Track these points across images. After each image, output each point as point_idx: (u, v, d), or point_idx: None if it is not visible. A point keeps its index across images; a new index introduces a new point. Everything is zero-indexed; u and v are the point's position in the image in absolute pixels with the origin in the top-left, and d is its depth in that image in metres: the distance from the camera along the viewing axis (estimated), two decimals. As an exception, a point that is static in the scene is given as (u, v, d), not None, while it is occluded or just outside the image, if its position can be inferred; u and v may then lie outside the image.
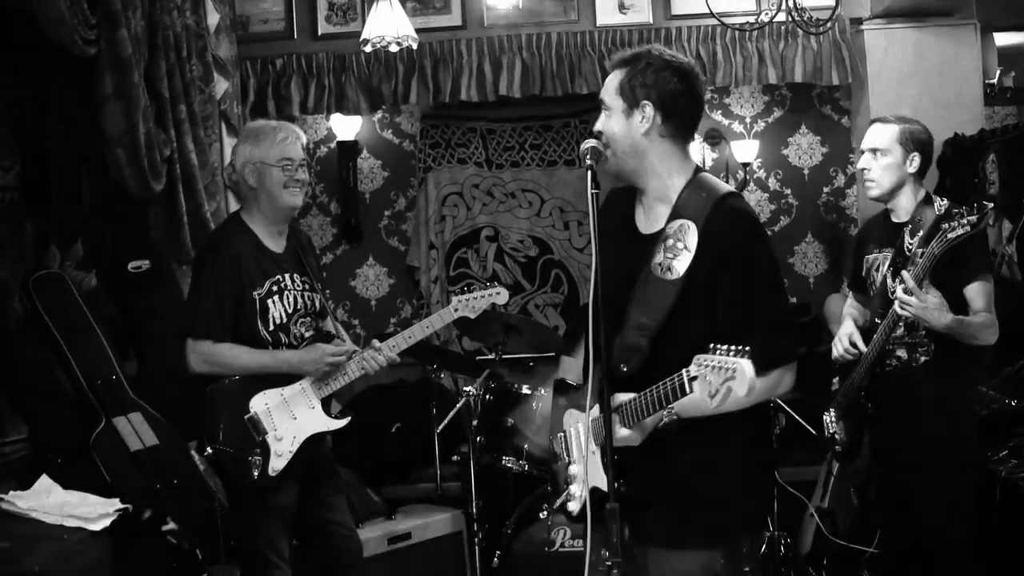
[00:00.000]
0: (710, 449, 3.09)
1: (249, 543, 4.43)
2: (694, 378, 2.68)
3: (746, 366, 2.54)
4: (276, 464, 4.29)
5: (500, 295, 4.82)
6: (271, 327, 4.40)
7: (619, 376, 3.01)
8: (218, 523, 4.99)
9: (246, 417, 4.30)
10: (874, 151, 4.60)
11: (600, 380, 2.90)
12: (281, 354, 4.39)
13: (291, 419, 4.35)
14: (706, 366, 2.63)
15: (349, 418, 4.49)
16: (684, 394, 2.75)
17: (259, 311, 4.37)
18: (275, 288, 4.42)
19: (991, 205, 4.05)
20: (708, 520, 3.08)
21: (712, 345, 2.64)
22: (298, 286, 4.51)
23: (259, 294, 4.38)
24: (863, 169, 4.64)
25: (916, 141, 4.57)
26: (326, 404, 4.45)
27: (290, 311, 4.45)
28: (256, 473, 4.26)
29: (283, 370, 4.37)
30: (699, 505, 3.09)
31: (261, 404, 4.33)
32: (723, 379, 2.58)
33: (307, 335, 4.51)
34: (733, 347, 2.59)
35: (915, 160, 4.55)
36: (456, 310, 4.73)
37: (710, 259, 3.02)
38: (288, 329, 4.45)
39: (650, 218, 3.22)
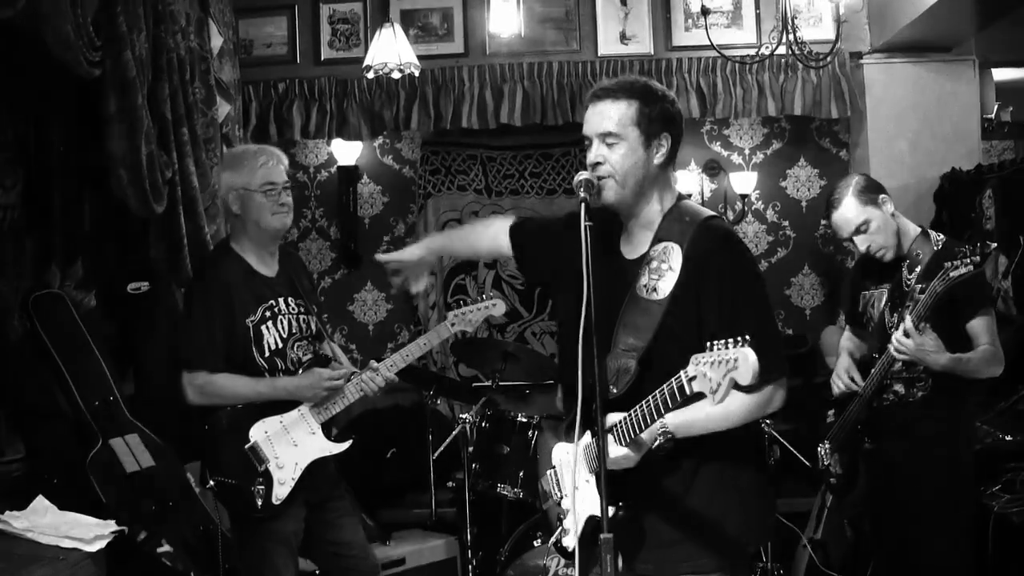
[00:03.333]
0: (706, 475, 3.10)
1: (255, 571, 4.38)
2: (692, 378, 2.64)
3: (748, 353, 2.51)
4: (280, 492, 4.26)
5: (496, 307, 4.79)
6: (267, 353, 4.36)
7: (608, 398, 3.01)
8: (218, 547, 4.98)
9: (246, 447, 4.26)
10: (857, 230, 4.57)
11: (590, 407, 2.89)
12: (278, 381, 4.35)
13: (292, 446, 4.32)
14: (704, 363, 2.59)
15: (351, 441, 4.46)
16: (684, 395, 2.70)
17: (253, 338, 4.34)
18: (268, 314, 4.39)
19: (994, 246, 4.05)
20: (703, 547, 3.08)
21: (708, 343, 2.61)
22: (293, 309, 4.48)
23: (252, 321, 4.34)
24: (867, 248, 4.60)
25: (873, 190, 4.55)
26: (326, 428, 4.42)
27: (285, 336, 4.42)
28: (260, 503, 4.23)
29: (281, 397, 4.33)
30: (694, 531, 3.08)
31: (260, 432, 4.29)
32: (724, 372, 2.54)
33: (305, 359, 4.48)
34: (730, 340, 2.56)
35: (887, 203, 4.53)
36: (453, 324, 4.70)
37: (695, 277, 3.03)
38: (284, 354, 4.41)
39: (633, 243, 3.24)
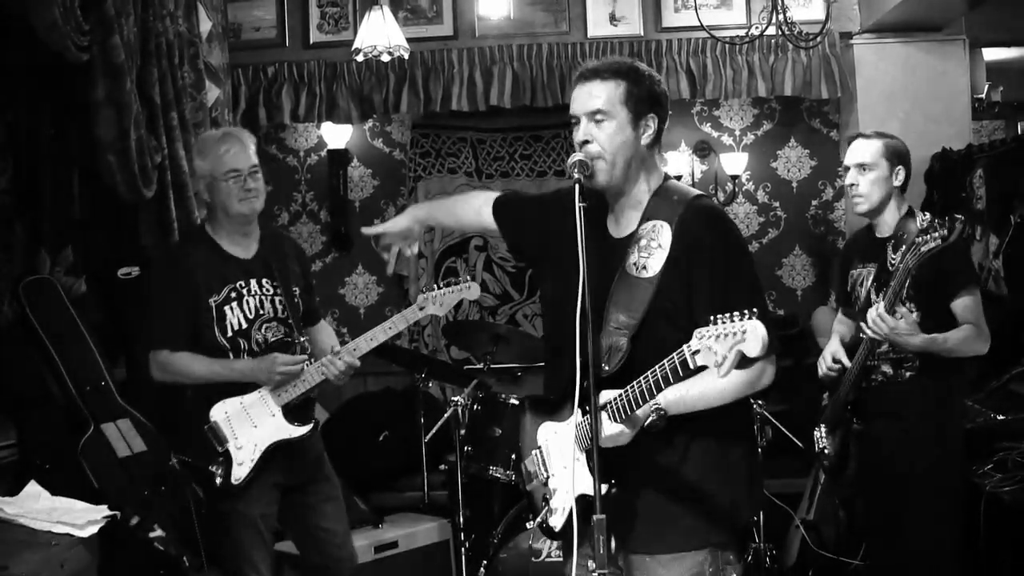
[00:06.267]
0: (696, 451, 3.10)
1: (225, 554, 4.44)
2: (696, 352, 2.64)
3: (757, 325, 2.51)
4: (238, 473, 4.29)
5: (471, 289, 4.62)
6: (229, 333, 4.36)
7: (600, 376, 3.01)
8: (197, 530, 4.98)
9: (206, 427, 4.30)
10: (861, 166, 4.59)
11: (582, 385, 2.89)
12: (235, 364, 4.35)
13: (252, 427, 4.33)
14: (709, 336, 2.59)
15: (310, 425, 4.46)
16: (687, 370, 2.71)
17: (216, 318, 4.34)
18: (233, 294, 4.38)
19: (961, 218, 4.06)
20: (694, 524, 3.09)
21: (713, 317, 2.61)
22: (267, 291, 4.46)
23: (215, 301, 4.35)
24: (851, 185, 4.64)
25: (899, 155, 4.58)
26: (288, 411, 4.38)
27: (251, 317, 4.41)
28: (219, 482, 4.28)
29: (236, 379, 4.33)
30: (685, 508, 3.09)
31: (221, 413, 4.33)
32: (731, 344, 2.54)
33: (272, 340, 4.45)
34: (736, 313, 2.56)
35: (900, 173, 4.56)
36: (422, 308, 4.52)
37: (685, 255, 3.03)
38: (249, 335, 4.40)
39: (621, 223, 3.23)
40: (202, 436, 4.30)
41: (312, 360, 4.43)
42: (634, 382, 2.86)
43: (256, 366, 4.33)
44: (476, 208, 3.70)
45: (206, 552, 4.73)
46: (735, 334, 2.54)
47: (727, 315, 2.58)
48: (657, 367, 2.78)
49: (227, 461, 4.29)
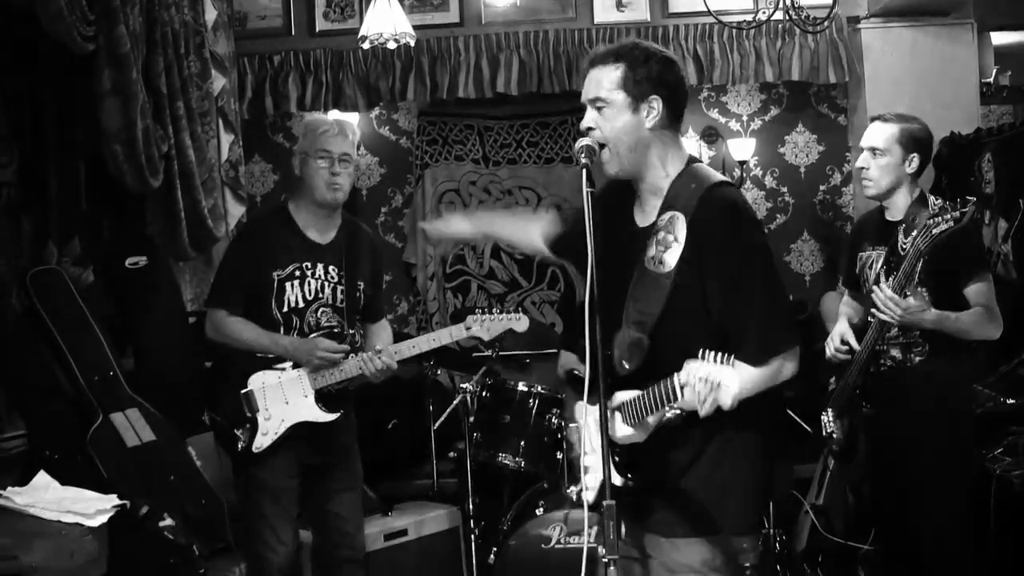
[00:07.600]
0: (714, 442, 3.09)
1: (248, 521, 4.57)
2: (684, 385, 2.68)
3: (730, 379, 2.55)
4: (260, 442, 4.43)
5: (520, 322, 4.65)
6: (285, 309, 4.49)
7: (621, 373, 3.01)
8: (212, 517, 4.99)
9: (242, 392, 4.46)
10: (873, 150, 4.57)
11: (601, 378, 2.89)
12: (280, 339, 4.48)
13: (283, 403, 4.47)
14: (693, 376, 2.63)
15: (338, 415, 4.56)
16: (675, 399, 2.75)
17: (275, 291, 4.48)
18: (297, 272, 4.50)
19: (973, 200, 4.05)
20: (710, 513, 3.08)
21: (702, 351, 2.63)
22: (331, 278, 4.57)
23: (279, 275, 4.48)
24: (861, 168, 4.63)
25: (916, 141, 4.54)
26: (321, 396, 4.51)
27: (309, 298, 4.53)
28: (240, 446, 4.44)
29: (279, 353, 4.48)
30: (702, 497, 3.09)
31: (258, 383, 4.48)
32: (708, 390, 2.58)
33: (324, 325, 4.57)
34: (722, 355, 2.59)
35: (914, 161, 4.53)
36: (469, 328, 4.62)
37: (698, 249, 3.00)
38: (303, 315, 4.53)
39: (645, 210, 3.20)
40: (236, 400, 4.46)
41: (356, 354, 4.55)
42: (644, 392, 2.88)
43: (299, 346, 4.47)
44: (530, 239, 3.79)
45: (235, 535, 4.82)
46: (712, 383, 2.60)
47: (713, 355, 2.62)
48: (654, 387, 2.83)
49: (253, 428, 4.44)
